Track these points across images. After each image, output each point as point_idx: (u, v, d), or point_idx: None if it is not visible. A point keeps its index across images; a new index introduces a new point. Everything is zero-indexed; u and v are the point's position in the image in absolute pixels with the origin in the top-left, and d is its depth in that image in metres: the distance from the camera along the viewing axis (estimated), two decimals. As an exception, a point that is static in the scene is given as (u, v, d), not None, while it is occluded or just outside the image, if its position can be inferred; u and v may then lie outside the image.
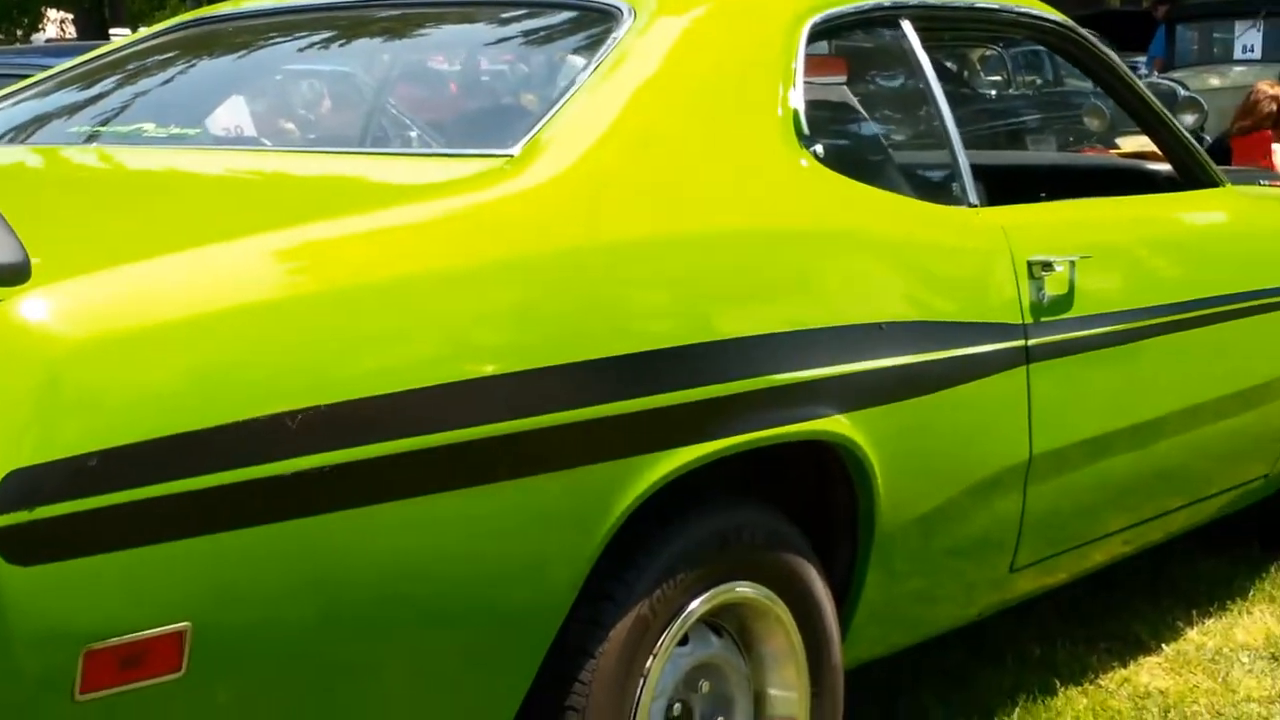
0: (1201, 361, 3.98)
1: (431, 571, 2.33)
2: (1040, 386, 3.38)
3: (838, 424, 2.88)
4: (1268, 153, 8.26)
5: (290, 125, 4.09)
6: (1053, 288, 3.43)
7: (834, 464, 2.97)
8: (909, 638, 3.46)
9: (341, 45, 3.83)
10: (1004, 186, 4.04)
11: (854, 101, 3.53)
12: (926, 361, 3.08)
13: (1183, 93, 11.52)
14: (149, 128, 3.31)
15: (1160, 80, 12.99)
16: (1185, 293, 3.89)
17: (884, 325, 3.01)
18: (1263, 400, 4.26)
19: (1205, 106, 10.78)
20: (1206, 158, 4.30)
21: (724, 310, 2.71)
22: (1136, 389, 3.76)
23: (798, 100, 3.08)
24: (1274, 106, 8.56)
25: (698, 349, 2.63)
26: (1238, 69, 13.48)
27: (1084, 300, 3.52)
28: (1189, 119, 10.40)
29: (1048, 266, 3.41)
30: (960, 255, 3.31)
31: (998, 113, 5.97)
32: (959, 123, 3.65)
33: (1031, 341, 3.36)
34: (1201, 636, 4.21)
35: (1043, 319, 3.41)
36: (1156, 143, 4.30)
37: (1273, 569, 4.73)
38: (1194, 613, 4.36)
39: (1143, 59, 16.33)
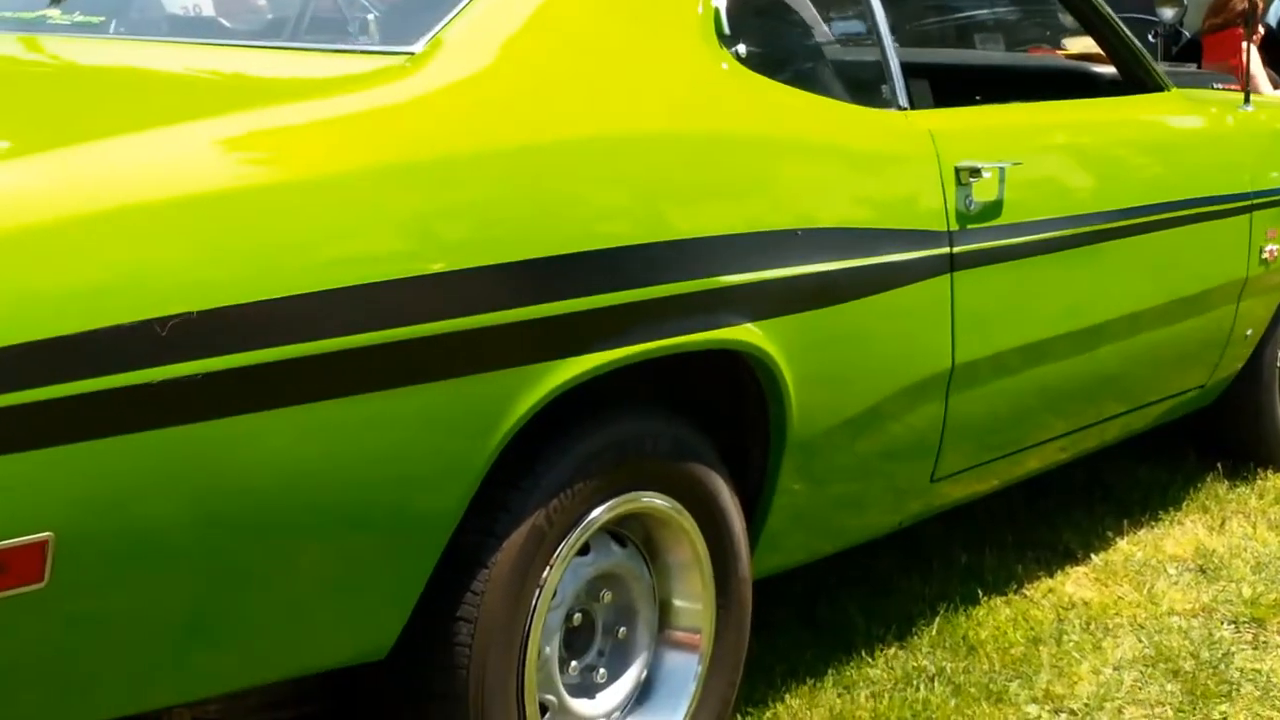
0: (1137, 270, 3.93)
1: (315, 480, 2.27)
2: (965, 295, 3.33)
3: (747, 332, 2.82)
4: (1237, 51, 8.14)
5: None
6: (981, 194, 3.37)
7: (745, 372, 2.92)
8: (831, 545, 3.43)
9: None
10: (939, 87, 3.97)
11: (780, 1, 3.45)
12: (844, 269, 3.02)
13: (1163, -15, 11.39)
14: (54, 14, 3.22)
15: (1141, -29, 12.81)
16: (1120, 200, 3.82)
17: (800, 231, 2.94)
18: (1200, 310, 4.22)
19: (1185, 0, 10.65)
20: (1151, 61, 4.23)
21: (630, 216, 2.64)
22: (1068, 297, 3.71)
23: (720, -2, 2.99)
24: (1245, 4, 8.42)
25: (600, 255, 2.56)
26: (1219, -37, 13.27)
27: (1013, 208, 3.46)
28: (1169, 13, 10.29)
29: (976, 173, 3.34)
30: (884, 160, 3.24)
31: (943, 7, 5.85)
32: (898, 18, 3.57)
33: (956, 249, 3.31)
34: (1131, 547, 4.19)
35: (969, 226, 3.35)
36: (1100, 44, 4.23)
37: (1208, 478, 4.71)
38: (1125, 522, 4.34)
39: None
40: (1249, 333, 4.48)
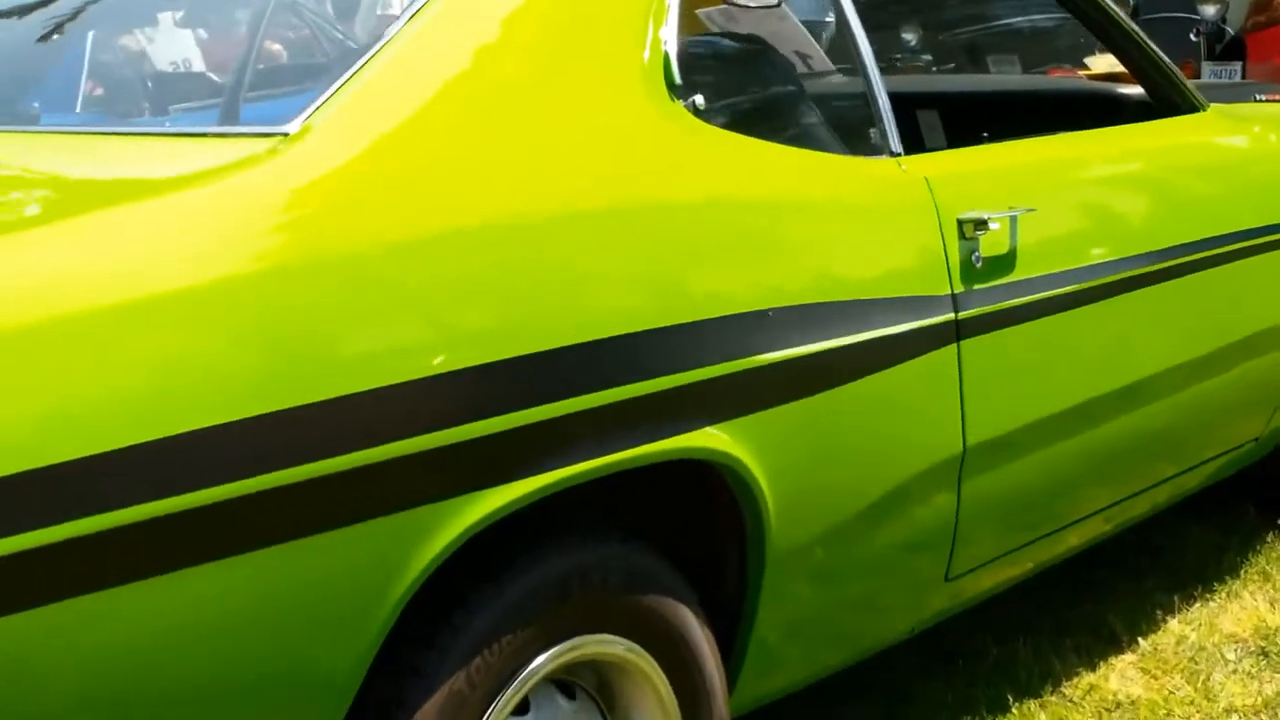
0: (1179, 317, 3.46)
1: (166, 661, 1.85)
2: (976, 365, 2.89)
3: (711, 438, 2.39)
4: (1284, 50, 7.68)
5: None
6: (989, 249, 2.92)
7: (713, 478, 2.48)
8: (835, 659, 2.98)
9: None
10: (945, 122, 3.52)
11: (748, 38, 3.01)
12: (827, 351, 2.58)
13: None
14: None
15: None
16: (1155, 241, 3.37)
17: (771, 311, 2.50)
18: (1253, 353, 3.75)
19: (1227, -2, 10.21)
20: (1183, 79, 3.77)
21: (557, 312, 2.20)
22: (1099, 355, 3.25)
23: (670, 42, 2.56)
24: (1290, 1, 7.97)
25: (521, 363, 2.13)
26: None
27: (1029, 260, 3.01)
28: (1211, 10, 9.85)
29: (982, 225, 2.89)
30: (872, 218, 2.80)
31: (949, 26, 5.35)
32: (896, 44, 3.13)
33: (962, 314, 2.86)
34: (1183, 626, 3.72)
35: (977, 286, 2.90)
36: (1125, 63, 3.77)
37: (1269, 539, 4.24)
38: (1176, 597, 3.87)
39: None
40: (1309, 375, 4.01)
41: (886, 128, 2.93)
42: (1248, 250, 3.60)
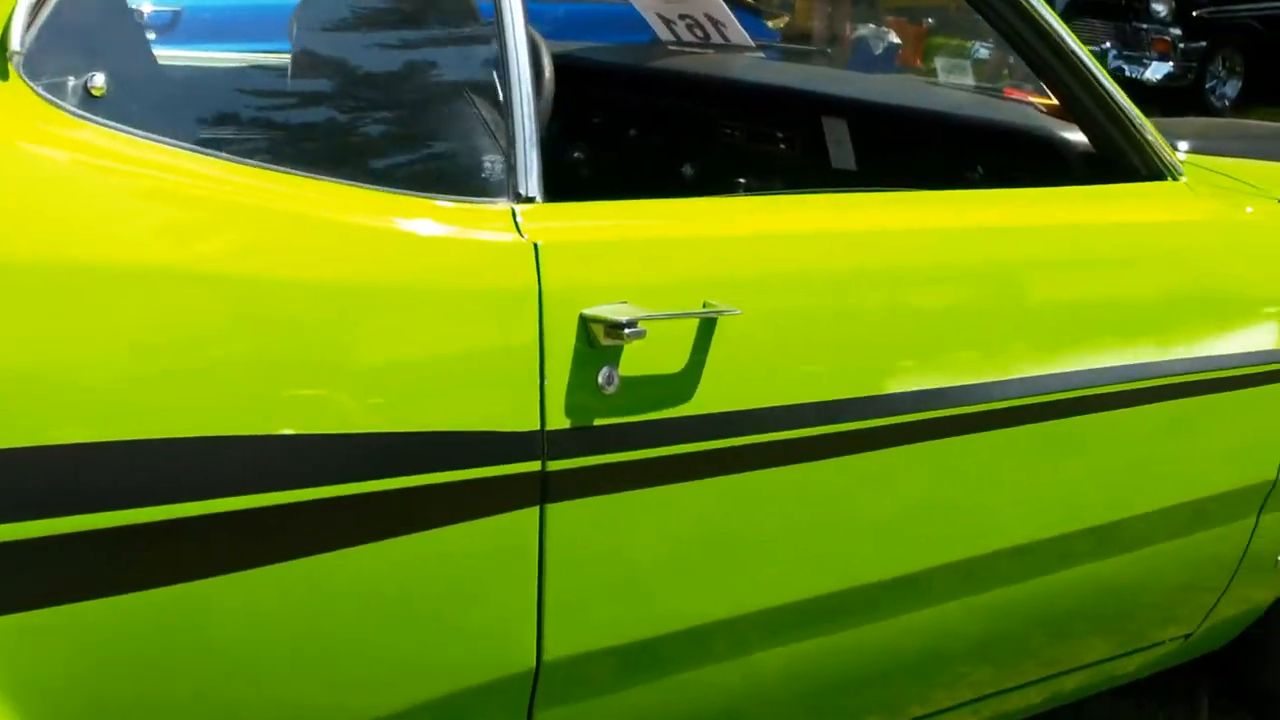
0: (998, 485, 2.37)
1: None
2: (570, 542, 1.90)
3: None
4: None
5: None
6: (637, 367, 1.91)
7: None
8: None
9: None
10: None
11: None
12: (195, 518, 1.62)
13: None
14: None
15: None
16: (974, 372, 2.27)
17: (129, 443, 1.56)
18: (1166, 534, 2.64)
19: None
20: (1151, 132, 2.60)
21: None
22: (832, 533, 2.21)
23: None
24: None
25: None
26: None
27: (717, 389, 1.98)
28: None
29: (619, 329, 1.87)
30: (387, 300, 1.79)
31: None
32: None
33: (555, 464, 1.86)
34: None
35: (597, 422, 1.89)
36: (1061, 101, 2.63)
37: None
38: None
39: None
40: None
41: (519, 159, 1.92)
42: (1130, 396, 2.45)
